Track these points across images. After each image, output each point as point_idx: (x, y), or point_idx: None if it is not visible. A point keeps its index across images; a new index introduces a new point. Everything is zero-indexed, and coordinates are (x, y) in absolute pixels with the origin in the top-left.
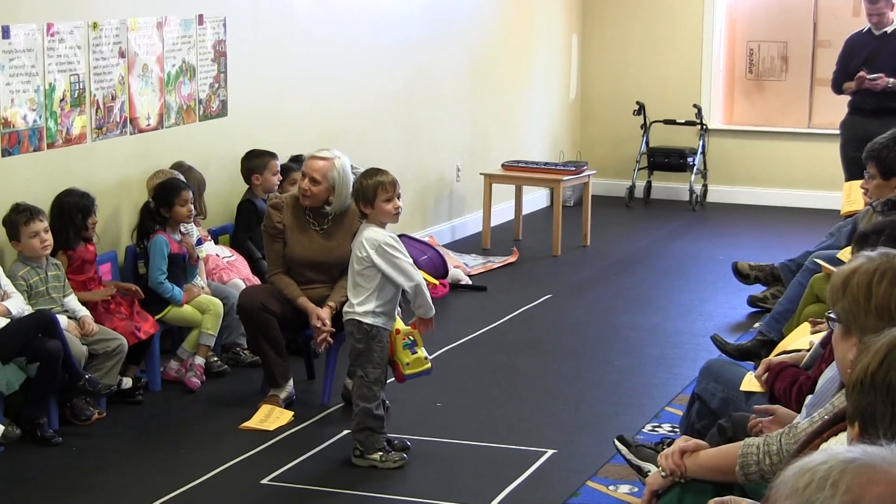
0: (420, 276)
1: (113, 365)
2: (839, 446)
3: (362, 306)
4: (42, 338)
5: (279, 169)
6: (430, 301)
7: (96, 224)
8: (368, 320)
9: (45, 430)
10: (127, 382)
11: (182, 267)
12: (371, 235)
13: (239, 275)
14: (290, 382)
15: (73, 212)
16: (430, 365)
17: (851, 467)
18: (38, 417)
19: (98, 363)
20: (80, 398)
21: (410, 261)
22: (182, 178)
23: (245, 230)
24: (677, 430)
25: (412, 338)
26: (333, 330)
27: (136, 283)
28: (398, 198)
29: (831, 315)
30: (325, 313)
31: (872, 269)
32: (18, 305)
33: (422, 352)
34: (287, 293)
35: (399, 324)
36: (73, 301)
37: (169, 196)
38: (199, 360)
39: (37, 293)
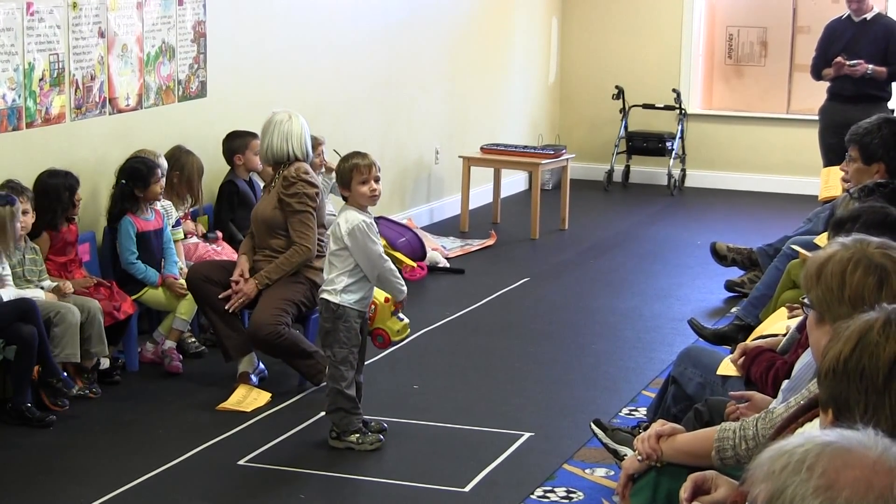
0: (386, 265)
1: (96, 332)
2: (815, 430)
3: (331, 284)
4: (19, 323)
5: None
6: (398, 285)
7: (80, 201)
8: (335, 299)
9: (32, 412)
10: (104, 363)
11: (155, 246)
12: (347, 217)
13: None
14: (253, 356)
15: (60, 191)
16: (409, 331)
17: (827, 451)
18: (22, 403)
19: (83, 335)
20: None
21: (381, 249)
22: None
23: (227, 211)
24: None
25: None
26: (243, 293)
27: (115, 263)
28: (376, 181)
29: (805, 301)
30: (246, 282)
31: (847, 258)
32: (10, 294)
33: (406, 320)
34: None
35: (378, 292)
36: (47, 284)
37: (147, 175)
38: (171, 344)
39: (13, 273)
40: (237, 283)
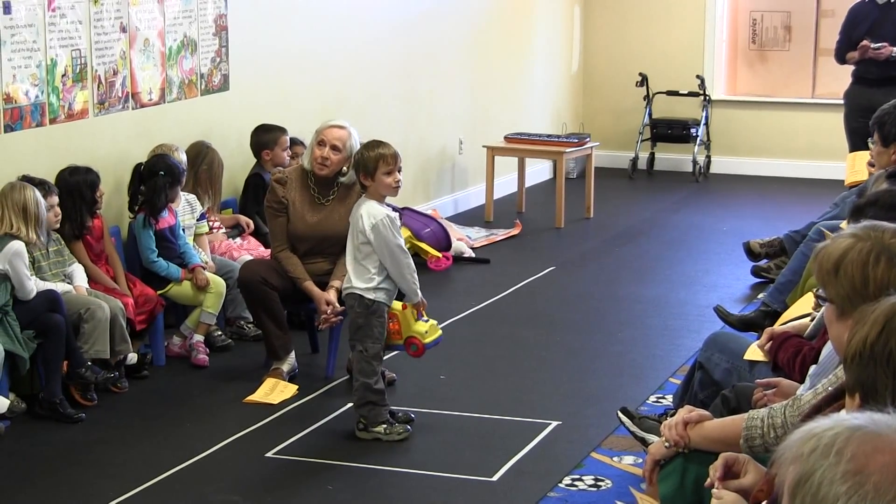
0: (408, 261)
1: (118, 331)
2: (845, 413)
3: (364, 282)
4: (48, 313)
5: (289, 144)
6: (415, 286)
7: (103, 195)
8: (370, 295)
9: (65, 407)
10: (132, 358)
11: (172, 242)
12: (371, 210)
13: (254, 255)
14: (292, 355)
15: (83, 188)
16: (441, 331)
17: (857, 435)
18: (54, 396)
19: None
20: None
21: (402, 242)
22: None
23: (253, 204)
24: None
25: (418, 310)
26: (340, 309)
27: (139, 259)
28: (399, 171)
29: (821, 294)
30: (332, 297)
31: (867, 251)
32: (40, 286)
33: (432, 320)
34: (293, 274)
35: (395, 303)
36: (77, 271)
37: (179, 176)
38: (198, 338)
39: (38, 267)
40: (333, 309)
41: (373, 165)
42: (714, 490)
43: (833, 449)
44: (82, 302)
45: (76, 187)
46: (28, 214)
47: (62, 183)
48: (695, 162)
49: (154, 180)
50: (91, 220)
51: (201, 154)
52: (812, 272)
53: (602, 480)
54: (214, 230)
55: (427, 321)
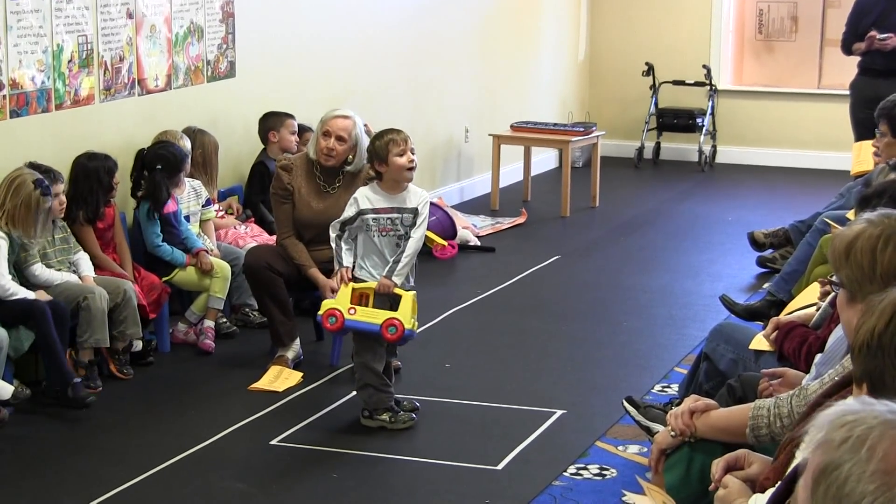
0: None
1: (131, 314)
2: (880, 402)
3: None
4: (21, 325)
5: (296, 128)
6: (336, 260)
7: (118, 184)
8: (354, 272)
9: (76, 390)
10: (137, 345)
11: (175, 228)
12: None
13: (260, 242)
14: (297, 342)
15: (100, 174)
16: (321, 310)
17: (891, 433)
18: (58, 384)
19: (117, 316)
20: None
21: (338, 223)
22: (175, 140)
23: (258, 192)
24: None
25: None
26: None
27: (143, 246)
28: (412, 152)
29: (834, 280)
30: (336, 285)
31: (876, 235)
32: (47, 276)
33: (329, 302)
34: (298, 261)
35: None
36: (83, 260)
37: (179, 165)
38: (209, 323)
39: (44, 254)
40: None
41: (384, 151)
42: (721, 480)
43: (865, 445)
44: (81, 290)
45: (94, 172)
46: (17, 214)
47: (80, 167)
48: (700, 152)
49: (153, 175)
50: (104, 207)
51: (192, 139)
52: (818, 262)
53: (607, 469)
54: (218, 214)
55: (336, 298)
